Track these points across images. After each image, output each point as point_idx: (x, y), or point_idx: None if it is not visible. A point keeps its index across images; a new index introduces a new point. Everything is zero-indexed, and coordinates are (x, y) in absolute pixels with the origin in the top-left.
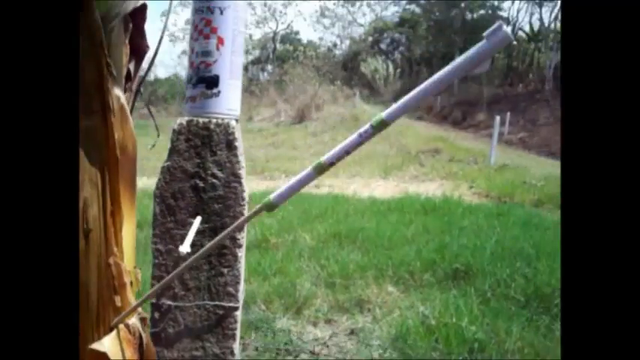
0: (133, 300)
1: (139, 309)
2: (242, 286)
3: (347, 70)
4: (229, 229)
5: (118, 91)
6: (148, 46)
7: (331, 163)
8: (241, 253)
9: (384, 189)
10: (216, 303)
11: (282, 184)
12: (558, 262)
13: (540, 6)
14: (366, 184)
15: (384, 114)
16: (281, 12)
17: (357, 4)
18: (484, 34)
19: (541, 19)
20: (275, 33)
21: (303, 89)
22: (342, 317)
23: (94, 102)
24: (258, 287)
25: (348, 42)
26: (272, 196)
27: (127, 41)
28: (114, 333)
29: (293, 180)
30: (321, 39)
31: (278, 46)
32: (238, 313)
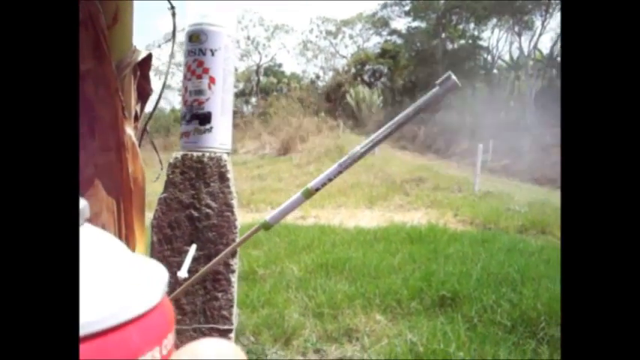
0: None
1: None
2: (235, 310)
3: (330, 101)
4: (231, 247)
5: (130, 131)
6: (151, 90)
7: (317, 189)
8: (234, 279)
9: (369, 219)
10: (212, 326)
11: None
12: (543, 287)
13: (519, 35)
14: (352, 215)
15: (360, 146)
16: (264, 45)
17: (339, 36)
18: (437, 82)
19: (520, 48)
20: (258, 66)
21: (288, 121)
22: (331, 347)
23: (111, 141)
24: (246, 319)
25: (331, 74)
26: (268, 218)
27: (134, 86)
28: None
29: (285, 203)
30: (304, 71)
31: (262, 78)
32: (232, 335)
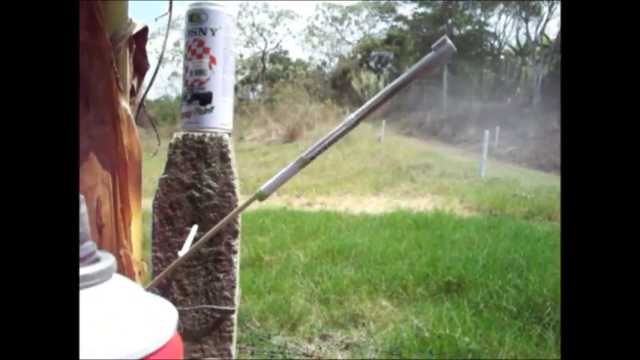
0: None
1: None
2: (237, 290)
3: (336, 88)
4: (227, 217)
5: (125, 104)
6: (148, 64)
7: (312, 157)
8: (236, 259)
9: (375, 205)
10: (214, 307)
11: (274, 202)
12: (549, 273)
13: (526, 20)
14: (358, 201)
15: (352, 116)
16: (269, 32)
17: (345, 22)
18: (432, 46)
19: (527, 34)
20: (264, 53)
21: (294, 108)
22: (337, 332)
23: (106, 113)
24: (252, 305)
25: (337, 60)
26: (263, 187)
27: (130, 60)
28: None
29: (279, 173)
30: (310, 58)
31: (267, 65)
32: (234, 316)
